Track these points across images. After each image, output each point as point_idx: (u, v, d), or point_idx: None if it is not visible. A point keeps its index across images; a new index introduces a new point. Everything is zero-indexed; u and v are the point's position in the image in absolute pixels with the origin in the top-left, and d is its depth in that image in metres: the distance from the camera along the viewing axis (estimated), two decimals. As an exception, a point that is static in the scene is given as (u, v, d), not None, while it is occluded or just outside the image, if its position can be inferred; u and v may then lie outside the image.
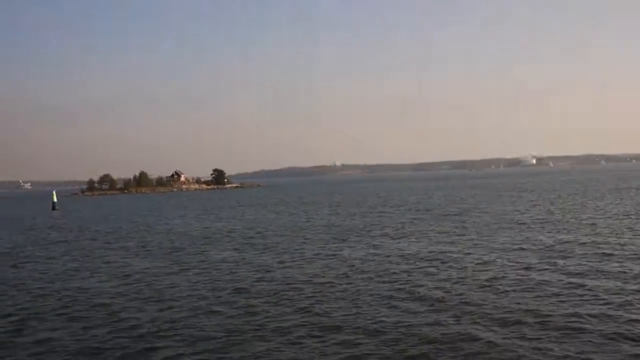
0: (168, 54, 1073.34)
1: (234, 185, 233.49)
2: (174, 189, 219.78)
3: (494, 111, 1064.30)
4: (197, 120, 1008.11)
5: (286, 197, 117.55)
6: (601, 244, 28.96)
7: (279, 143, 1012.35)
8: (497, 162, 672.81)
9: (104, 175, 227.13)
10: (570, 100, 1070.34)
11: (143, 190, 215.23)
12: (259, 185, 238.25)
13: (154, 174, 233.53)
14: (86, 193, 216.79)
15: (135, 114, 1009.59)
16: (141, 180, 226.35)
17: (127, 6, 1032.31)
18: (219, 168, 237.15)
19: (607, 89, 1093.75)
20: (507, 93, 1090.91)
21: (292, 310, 17.77)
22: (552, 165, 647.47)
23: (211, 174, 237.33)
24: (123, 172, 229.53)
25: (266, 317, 17.05)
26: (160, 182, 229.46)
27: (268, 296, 20.06)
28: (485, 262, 25.10)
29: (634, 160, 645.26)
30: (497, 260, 25.52)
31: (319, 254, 30.30)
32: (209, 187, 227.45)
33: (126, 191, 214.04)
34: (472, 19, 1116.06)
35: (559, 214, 47.46)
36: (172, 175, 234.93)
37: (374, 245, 32.94)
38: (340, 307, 17.91)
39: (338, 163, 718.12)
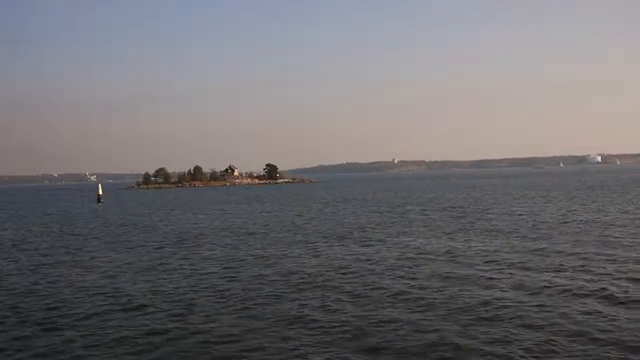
0: (232, 45, 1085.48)
1: (286, 180, 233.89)
2: (227, 183, 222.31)
3: (556, 107, 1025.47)
4: (259, 114, 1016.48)
5: (326, 193, 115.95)
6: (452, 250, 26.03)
7: (338, 138, 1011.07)
8: (561, 160, 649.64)
9: (159, 169, 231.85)
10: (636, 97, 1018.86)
11: (197, 184, 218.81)
12: (311, 181, 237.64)
13: (213, 168, 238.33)
14: (141, 186, 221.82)
15: (210, 105, 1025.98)
16: (195, 174, 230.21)
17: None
18: (273, 163, 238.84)
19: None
20: (573, 88, 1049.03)
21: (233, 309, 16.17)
22: (619, 163, 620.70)
23: (264, 169, 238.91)
24: (195, 165, 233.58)
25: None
26: (214, 176, 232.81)
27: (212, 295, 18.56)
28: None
29: None
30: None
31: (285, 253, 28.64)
32: (261, 181, 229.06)
33: (180, 185, 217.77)
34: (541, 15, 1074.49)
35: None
36: (226, 170, 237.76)
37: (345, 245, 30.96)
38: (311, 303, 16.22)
39: (397, 159, 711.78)
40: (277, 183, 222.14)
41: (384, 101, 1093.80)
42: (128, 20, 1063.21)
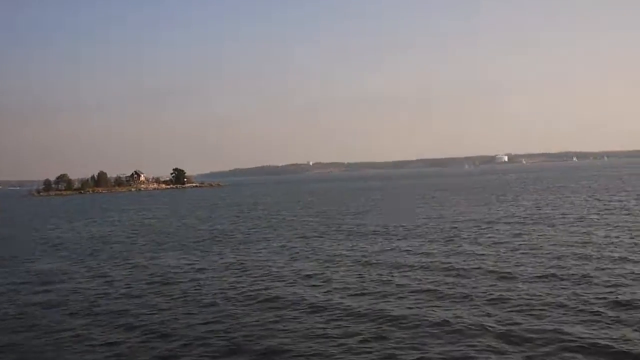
0: (139, 48, 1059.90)
1: (194, 184, 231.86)
2: (132, 189, 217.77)
3: (470, 108, 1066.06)
4: (175, 119, 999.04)
5: (226, 198, 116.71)
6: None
7: (253, 141, 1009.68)
8: (472, 160, 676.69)
9: (60, 175, 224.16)
10: (544, 98, 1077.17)
11: (100, 191, 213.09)
12: (219, 185, 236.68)
13: (119, 174, 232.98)
14: (41, 193, 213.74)
15: (122, 110, 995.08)
16: (99, 180, 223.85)
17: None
18: (185, 167, 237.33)
19: (582, 88, 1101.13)
20: (484, 90, 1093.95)
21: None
22: (524, 162, 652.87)
23: (171, 174, 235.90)
24: (107, 170, 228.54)
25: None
26: (118, 182, 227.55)
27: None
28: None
29: (605, 157, 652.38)
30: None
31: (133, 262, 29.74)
32: (168, 186, 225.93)
33: (82, 192, 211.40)
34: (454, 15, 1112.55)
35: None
36: (132, 175, 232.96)
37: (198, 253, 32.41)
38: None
39: (312, 162, 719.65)
40: (185, 188, 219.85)
41: (302, 103, 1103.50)
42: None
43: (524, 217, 43.03)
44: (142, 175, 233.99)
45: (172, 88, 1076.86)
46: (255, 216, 59.68)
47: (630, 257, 23.85)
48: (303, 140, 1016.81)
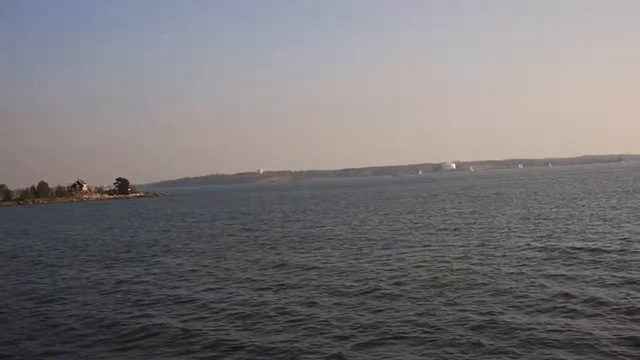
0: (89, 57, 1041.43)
1: (138, 194, 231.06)
2: (74, 199, 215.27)
3: (420, 116, 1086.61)
4: (123, 128, 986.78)
5: (159, 208, 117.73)
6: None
7: (203, 151, 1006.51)
8: (421, 167, 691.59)
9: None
10: (492, 105, 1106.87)
11: (41, 201, 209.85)
12: (163, 194, 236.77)
13: (69, 183, 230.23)
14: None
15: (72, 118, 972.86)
16: (40, 190, 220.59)
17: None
18: (127, 177, 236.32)
19: (529, 97, 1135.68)
20: (432, 97, 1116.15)
21: None
22: (472, 169, 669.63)
23: (114, 183, 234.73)
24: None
25: None
26: (60, 192, 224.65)
27: None
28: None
29: (549, 164, 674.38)
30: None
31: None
32: (112, 196, 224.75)
33: (22, 202, 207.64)
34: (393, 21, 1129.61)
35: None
36: (74, 185, 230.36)
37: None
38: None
39: (262, 170, 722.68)
40: (128, 197, 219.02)
41: (252, 111, 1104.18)
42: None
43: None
44: (85, 185, 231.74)
45: (117, 95, 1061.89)
46: (169, 226, 61.52)
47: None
48: (253, 149, 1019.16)
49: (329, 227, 48.18)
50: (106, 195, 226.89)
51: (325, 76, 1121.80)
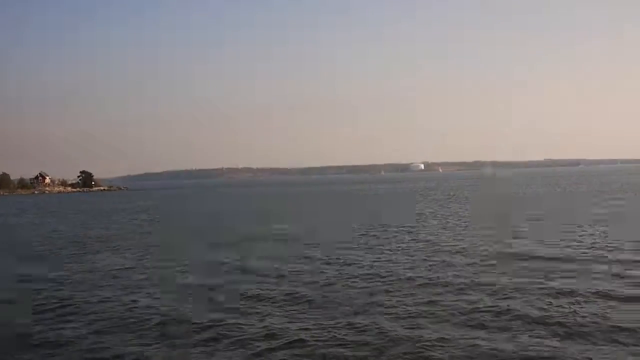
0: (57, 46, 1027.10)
1: (102, 188, 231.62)
2: (36, 192, 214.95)
3: (388, 115, 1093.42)
4: (102, 118, 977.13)
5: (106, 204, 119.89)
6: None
7: (165, 145, 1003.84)
8: (387, 167, 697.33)
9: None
10: (461, 106, 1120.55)
11: (1, 193, 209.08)
12: (126, 188, 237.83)
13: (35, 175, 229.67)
14: None
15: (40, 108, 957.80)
16: (1, 182, 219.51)
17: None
18: (87, 170, 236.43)
19: (497, 99, 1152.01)
20: (401, 99, 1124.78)
21: None
22: (441, 170, 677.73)
23: (78, 176, 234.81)
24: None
25: None
26: (22, 184, 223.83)
27: None
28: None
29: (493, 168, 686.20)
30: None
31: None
32: (75, 190, 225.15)
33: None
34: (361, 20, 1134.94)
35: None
36: (37, 177, 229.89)
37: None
38: None
39: (225, 167, 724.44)
40: (91, 191, 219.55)
41: (221, 107, 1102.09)
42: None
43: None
44: (47, 178, 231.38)
45: (86, 88, 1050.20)
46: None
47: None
48: (219, 145, 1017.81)
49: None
50: (69, 189, 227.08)
51: (293, 74, 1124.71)
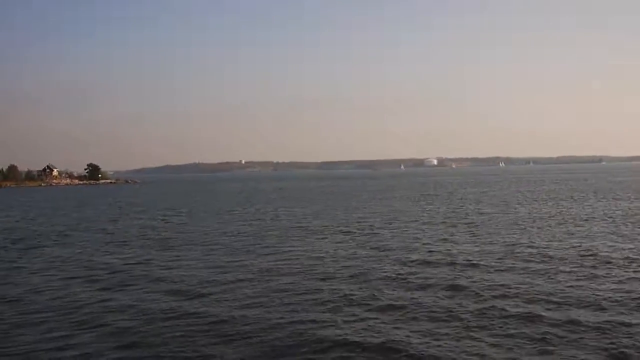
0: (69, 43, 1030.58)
1: (109, 181, 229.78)
2: (43, 184, 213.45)
3: (402, 113, 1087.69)
4: (104, 114, 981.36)
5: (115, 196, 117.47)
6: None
7: (185, 139, 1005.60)
8: (403, 162, 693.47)
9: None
10: (476, 102, 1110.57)
11: (9, 185, 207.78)
12: (135, 182, 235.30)
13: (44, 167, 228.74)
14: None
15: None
16: (9, 173, 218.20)
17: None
18: (95, 163, 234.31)
19: (512, 96, 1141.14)
20: (415, 95, 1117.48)
21: None
22: (454, 166, 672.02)
23: (85, 169, 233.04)
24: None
25: None
26: (29, 176, 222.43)
27: None
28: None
29: (531, 163, 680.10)
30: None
31: None
32: (82, 182, 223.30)
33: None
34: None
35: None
36: (44, 170, 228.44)
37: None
38: None
39: (244, 160, 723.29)
40: (99, 184, 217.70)
41: (237, 102, 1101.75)
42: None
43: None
44: (55, 170, 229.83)
45: (95, 83, 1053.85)
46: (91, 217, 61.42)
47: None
48: (237, 139, 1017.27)
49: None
50: (76, 181, 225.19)
51: (311, 72, 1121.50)
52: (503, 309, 16.89)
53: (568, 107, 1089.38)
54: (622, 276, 21.07)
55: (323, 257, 27.83)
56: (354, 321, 16.32)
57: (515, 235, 33.46)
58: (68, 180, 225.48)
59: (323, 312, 17.30)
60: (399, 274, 22.65)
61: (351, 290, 20.14)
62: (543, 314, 16.30)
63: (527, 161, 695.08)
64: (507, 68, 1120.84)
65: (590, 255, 25.84)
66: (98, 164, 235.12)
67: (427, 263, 25.18)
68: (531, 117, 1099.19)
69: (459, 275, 22.21)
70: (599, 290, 18.98)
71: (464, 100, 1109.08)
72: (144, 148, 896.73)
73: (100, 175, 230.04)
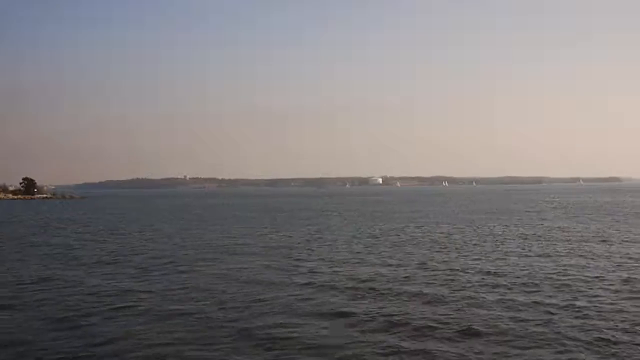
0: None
1: (45, 196, 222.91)
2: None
3: (345, 128, 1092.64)
4: (47, 125, 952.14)
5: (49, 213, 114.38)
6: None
7: (129, 153, 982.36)
8: (349, 180, 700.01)
9: None
10: (420, 125, 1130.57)
11: None
12: (72, 197, 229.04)
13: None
14: None
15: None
16: None
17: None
18: (29, 177, 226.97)
19: (454, 117, 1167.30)
20: (363, 111, 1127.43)
21: None
22: (399, 185, 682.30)
23: (20, 183, 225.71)
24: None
25: None
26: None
27: None
28: None
29: (474, 183, 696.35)
30: None
31: None
32: (16, 196, 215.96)
33: None
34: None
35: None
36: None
37: None
38: None
39: (189, 176, 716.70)
40: (33, 198, 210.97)
41: (181, 115, 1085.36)
42: None
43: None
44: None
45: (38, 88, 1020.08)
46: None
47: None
48: (181, 154, 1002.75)
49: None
50: (10, 195, 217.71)
51: (259, 84, 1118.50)
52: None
53: (511, 128, 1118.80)
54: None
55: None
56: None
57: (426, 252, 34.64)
58: (2, 195, 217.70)
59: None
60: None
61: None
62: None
63: (470, 181, 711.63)
64: (458, 87, 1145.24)
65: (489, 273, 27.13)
66: (34, 178, 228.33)
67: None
68: (476, 138, 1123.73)
69: (352, 300, 22.96)
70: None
71: (411, 119, 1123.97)
72: (85, 162, 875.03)
73: (36, 190, 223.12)
